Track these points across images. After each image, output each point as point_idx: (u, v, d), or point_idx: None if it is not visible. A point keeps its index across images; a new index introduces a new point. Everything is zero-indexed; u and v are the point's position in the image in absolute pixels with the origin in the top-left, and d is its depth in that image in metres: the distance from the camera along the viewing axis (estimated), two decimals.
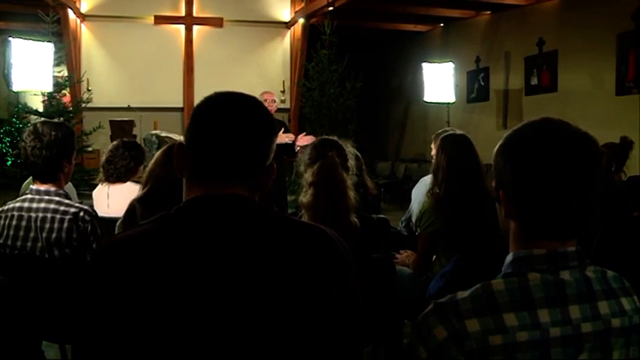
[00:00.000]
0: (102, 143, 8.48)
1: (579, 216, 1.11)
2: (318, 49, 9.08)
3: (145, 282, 1.10)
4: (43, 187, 2.32)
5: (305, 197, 2.23)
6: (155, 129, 9.22)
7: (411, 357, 1.09)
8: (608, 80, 7.53)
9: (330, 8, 8.99)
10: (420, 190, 3.71)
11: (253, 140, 1.22)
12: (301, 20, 10.36)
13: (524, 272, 1.07)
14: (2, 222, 2.33)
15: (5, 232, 2.31)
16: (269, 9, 10.89)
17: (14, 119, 9.26)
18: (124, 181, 3.38)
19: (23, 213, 2.30)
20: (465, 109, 9.96)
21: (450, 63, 7.85)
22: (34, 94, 7.67)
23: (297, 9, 10.68)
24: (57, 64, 7.62)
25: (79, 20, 10.15)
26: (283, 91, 11.01)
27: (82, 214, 2.29)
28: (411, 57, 11.96)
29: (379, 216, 3.13)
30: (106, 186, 3.39)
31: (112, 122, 8.47)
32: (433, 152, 3.80)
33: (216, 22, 10.58)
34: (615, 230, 3.28)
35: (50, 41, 5.88)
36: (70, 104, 8.98)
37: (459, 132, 2.97)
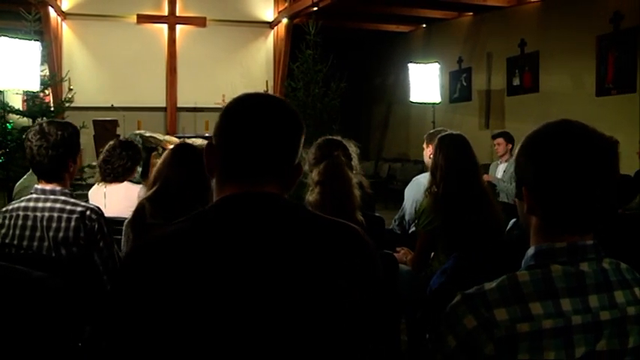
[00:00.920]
0: (85, 143, 8.38)
1: (597, 211, 1.18)
2: (303, 49, 9.11)
3: (183, 279, 1.12)
4: (48, 187, 2.32)
5: (312, 196, 2.27)
6: (139, 129, 9.17)
7: (439, 346, 1.15)
8: (588, 81, 7.69)
9: (315, 9, 9.03)
10: (413, 190, 3.76)
11: (285, 139, 1.26)
12: (285, 20, 10.39)
13: (547, 264, 1.13)
14: (7, 222, 2.32)
15: (11, 232, 2.30)
16: (252, 9, 10.90)
17: None
18: (121, 181, 3.38)
19: (29, 213, 2.30)
20: (448, 109, 10.07)
21: (436, 64, 7.95)
22: (17, 93, 7.56)
23: (280, 9, 10.70)
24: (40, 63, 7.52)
25: (60, 19, 10.04)
26: (266, 91, 11.02)
27: (88, 212, 2.29)
28: (393, 57, 12.06)
29: (375, 214, 3.19)
30: (102, 186, 3.39)
31: (95, 122, 8.38)
32: (426, 152, 3.87)
33: (200, 22, 10.55)
34: (602, 227, 3.36)
35: (37, 40, 5.81)
36: (51, 104, 8.88)
37: (455, 132, 3.03)
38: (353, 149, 2.59)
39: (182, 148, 2.32)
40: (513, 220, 3.98)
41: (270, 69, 11.08)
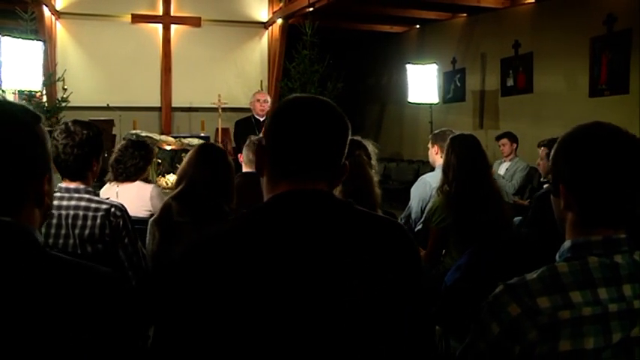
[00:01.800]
0: None
1: (630, 207, 1.26)
2: (300, 49, 9.15)
3: (243, 275, 1.17)
4: (72, 185, 2.36)
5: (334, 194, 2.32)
6: (134, 128, 9.16)
7: (480, 333, 1.22)
8: (581, 82, 7.79)
9: (310, 9, 9.08)
10: (420, 189, 3.83)
11: (334, 139, 1.32)
12: (279, 21, 10.42)
13: (584, 256, 1.21)
14: None
15: None
16: (247, 9, 10.92)
17: None
18: (133, 180, 3.41)
19: (53, 211, 2.33)
20: (441, 110, 10.15)
21: (434, 64, 8.02)
22: (13, 93, 7.54)
23: (275, 9, 10.73)
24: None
25: (54, 18, 10.00)
26: (260, 91, 11.05)
27: (113, 210, 2.33)
28: (387, 58, 12.14)
29: (387, 211, 3.25)
30: (114, 185, 3.42)
31: (90, 121, 8.36)
32: (431, 151, 3.94)
33: (194, 22, 10.55)
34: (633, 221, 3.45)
35: (39, 39, 5.80)
36: (46, 103, 8.85)
37: (466, 133, 3.10)
38: (372, 149, 2.66)
39: (206, 148, 2.37)
40: (519, 218, 4.07)
41: (265, 69, 11.11)
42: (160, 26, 10.49)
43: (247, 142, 3.49)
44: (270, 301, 1.15)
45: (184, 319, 1.21)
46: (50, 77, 8.67)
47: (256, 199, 2.35)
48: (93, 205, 2.33)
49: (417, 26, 11.21)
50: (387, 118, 12.39)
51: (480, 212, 2.85)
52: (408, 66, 8.11)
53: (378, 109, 12.65)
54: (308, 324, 1.15)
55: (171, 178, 6.66)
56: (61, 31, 10.20)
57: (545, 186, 4.48)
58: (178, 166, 7.39)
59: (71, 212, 2.31)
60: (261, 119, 5.91)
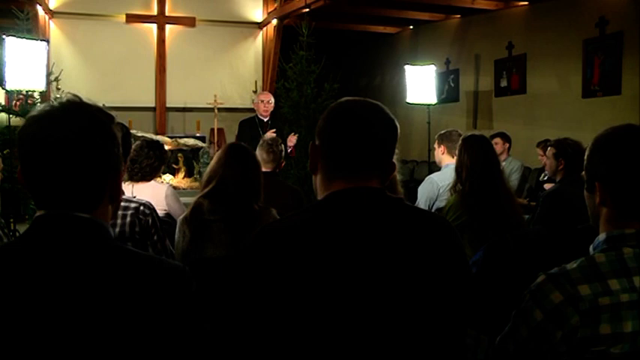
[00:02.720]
0: None
1: None
2: (297, 50, 9.20)
3: (309, 263, 1.25)
4: None
5: None
6: (130, 129, 9.14)
7: (523, 320, 1.32)
8: (574, 83, 7.94)
9: (306, 10, 9.13)
10: (427, 188, 3.91)
11: (386, 139, 1.41)
12: (274, 21, 10.46)
13: (619, 247, 1.31)
14: None
15: None
16: (241, 9, 10.94)
17: None
18: (149, 180, 3.45)
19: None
20: (435, 110, 10.23)
21: (432, 66, 8.11)
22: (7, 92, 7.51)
23: (270, 10, 10.76)
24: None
25: (47, 17, 9.95)
26: (255, 91, 11.07)
27: (142, 208, 2.38)
28: (380, 59, 12.23)
29: None
30: (129, 185, 3.45)
31: None
32: (437, 151, 4.02)
33: (189, 22, 10.55)
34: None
35: (43, 40, 5.80)
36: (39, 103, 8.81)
37: (477, 133, 3.18)
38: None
39: (236, 148, 2.43)
40: (527, 216, 4.16)
41: (260, 69, 11.13)
42: (154, 26, 10.48)
43: (261, 143, 3.54)
44: (333, 287, 1.23)
45: (256, 300, 1.28)
46: (48, 77, 8.62)
47: (273, 197, 2.41)
48: (122, 203, 2.36)
49: (411, 27, 11.30)
50: None
51: (494, 210, 2.94)
52: (407, 67, 8.19)
53: None
54: (366, 306, 1.23)
55: (167, 178, 6.66)
56: (54, 30, 10.15)
57: (546, 185, 4.59)
58: (175, 166, 7.41)
59: None
60: (265, 119, 5.96)
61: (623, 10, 7.34)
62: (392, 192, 2.40)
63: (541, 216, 3.35)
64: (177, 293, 1.16)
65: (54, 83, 9.34)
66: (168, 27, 10.52)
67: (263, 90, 10.93)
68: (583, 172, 1.52)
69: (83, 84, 9.74)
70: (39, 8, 9.34)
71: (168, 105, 10.49)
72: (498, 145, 5.98)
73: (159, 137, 9.03)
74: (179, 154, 7.10)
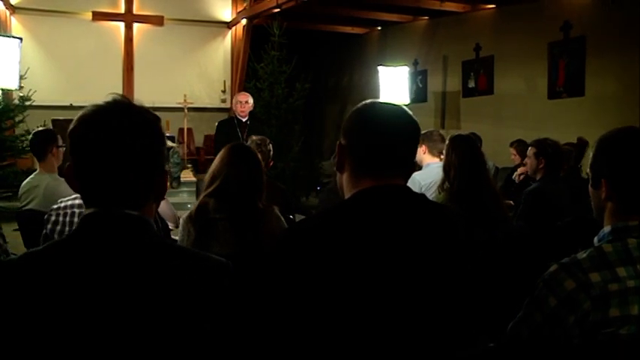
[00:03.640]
0: None
1: None
2: (269, 50, 9.21)
3: (341, 260, 1.31)
4: None
5: None
6: None
7: (537, 307, 1.42)
8: (540, 85, 8.18)
9: (277, 10, 9.14)
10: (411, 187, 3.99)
11: (411, 139, 1.48)
12: (244, 21, 10.44)
13: (624, 238, 1.43)
14: (62, 219, 2.38)
15: (67, 228, 2.36)
16: (210, 9, 10.89)
17: None
18: None
19: (84, 210, 2.35)
20: None
21: (405, 67, 8.24)
22: None
23: (239, 9, 10.74)
24: None
25: (8, 12, 9.70)
26: (224, 91, 11.06)
27: None
28: (348, 59, 12.34)
29: None
30: None
31: (54, 121, 8.18)
32: (419, 151, 4.11)
33: (157, 21, 10.45)
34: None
35: (16, 37, 5.67)
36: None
37: (464, 133, 3.28)
38: None
39: (240, 148, 2.45)
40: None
41: (228, 69, 11.11)
42: (122, 24, 10.35)
43: (249, 142, 3.57)
44: (367, 282, 1.29)
45: (291, 296, 1.33)
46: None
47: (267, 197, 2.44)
48: None
49: (379, 28, 11.43)
50: None
51: (481, 207, 3.03)
52: (380, 67, 8.30)
53: (338, 110, 12.82)
54: (395, 296, 1.30)
55: None
56: (16, 26, 9.90)
57: (526, 185, 4.74)
58: None
59: None
60: (244, 120, 5.96)
61: (586, 15, 7.61)
62: None
63: (524, 213, 3.47)
64: (221, 287, 1.19)
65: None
66: (136, 25, 10.40)
67: (232, 90, 10.91)
68: (588, 170, 1.61)
69: (48, 82, 9.55)
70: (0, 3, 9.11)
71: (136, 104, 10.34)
72: None
73: None
74: None
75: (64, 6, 9.86)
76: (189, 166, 10.02)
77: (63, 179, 4.06)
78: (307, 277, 1.31)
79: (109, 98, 1.24)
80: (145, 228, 1.19)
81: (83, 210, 2.34)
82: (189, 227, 2.28)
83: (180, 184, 8.96)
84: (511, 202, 4.06)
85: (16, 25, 9.92)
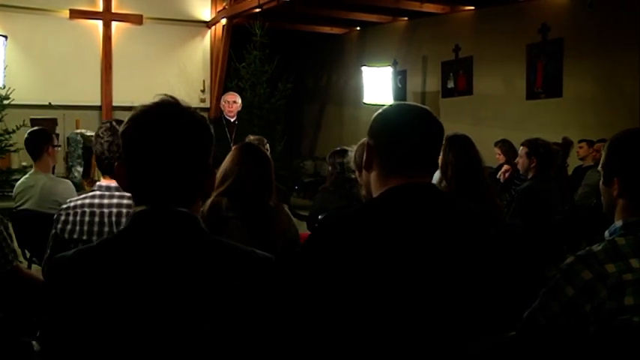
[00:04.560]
0: (23, 142, 8.05)
1: None
2: (251, 50, 9.21)
3: (374, 250, 1.38)
4: (113, 184, 2.38)
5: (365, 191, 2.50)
6: (77, 128, 8.90)
7: (554, 297, 1.50)
8: (519, 85, 8.34)
9: (258, 10, 9.15)
10: None
11: (437, 139, 1.56)
12: (223, 20, 10.42)
13: (636, 232, 1.52)
14: (72, 218, 2.37)
15: (77, 227, 2.36)
16: (189, 8, 10.83)
17: None
18: None
19: (95, 209, 2.36)
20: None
21: (389, 67, 8.32)
22: None
23: (218, 9, 10.71)
24: None
25: None
26: (203, 91, 11.01)
27: None
28: (327, 59, 12.39)
29: None
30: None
31: (33, 120, 8.08)
32: None
33: (136, 19, 10.35)
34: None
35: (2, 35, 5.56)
36: None
37: (460, 133, 3.35)
38: None
39: (250, 148, 2.49)
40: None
41: (208, 68, 11.06)
42: (100, 23, 10.21)
43: (247, 142, 3.59)
44: (400, 275, 1.36)
45: (326, 290, 1.39)
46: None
47: None
48: None
49: (358, 28, 11.51)
50: (326, 118, 12.64)
51: (478, 205, 3.11)
52: (364, 68, 8.37)
53: (317, 110, 12.87)
54: (425, 288, 1.38)
55: None
56: None
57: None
58: None
59: (114, 210, 2.35)
60: (232, 119, 5.96)
61: (563, 18, 7.79)
62: None
63: (517, 210, 3.56)
64: (267, 281, 1.23)
65: None
66: (114, 24, 10.27)
67: (211, 89, 10.88)
68: (600, 167, 1.69)
69: (25, 81, 9.36)
70: None
71: (114, 104, 10.24)
72: None
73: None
74: None
75: (39, 3, 9.68)
76: None
77: (59, 179, 4.03)
78: (343, 272, 1.37)
79: (158, 99, 1.27)
80: (195, 224, 1.22)
81: (95, 209, 2.35)
82: None
83: None
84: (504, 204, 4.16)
85: None
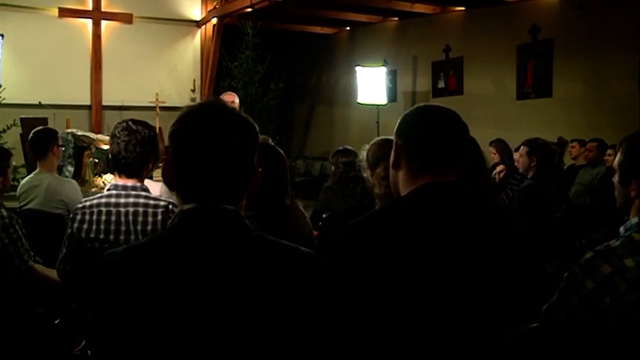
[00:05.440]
0: (14, 142, 7.98)
1: None
2: (243, 49, 9.21)
3: (407, 244, 1.44)
4: (129, 183, 2.40)
5: (379, 189, 2.54)
6: (67, 127, 8.83)
7: (574, 290, 1.57)
8: (509, 86, 8.44)
9: (249, 9, 9.15)
10: None
11: (463, 138, 1.61)
12: (214, 20, 10.40)
13: None
14: (88, 217, 2.38)
15: (94, 227, 2.37)
16: (179, 7, 10.80)
17: None
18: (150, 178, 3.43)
19: (111, 208, 2.37)
20: (372, 109, 10.55)
21: (383, 67, 8.36)
22: None
23: (209, 8, 10.69)
24: None
25: None
26: (193, 90, 10.96)
27: (171, 206, 2.41)
28: (317, 59, 12.41)
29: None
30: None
31: (23, 120, 8.00)
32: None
33: (126, 18, 10.28)
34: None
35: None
36: None
37: None
38: None
39: (266, 147, 2.50)
40: None
41: (198, 68, 11.03)
42: (89, 21, 10.13)
43: None
44: (431, 265, 1.42)
45: (353, 279, 1.43)
46: None
47: None
48: (151, 202, 2.39)
49: (348, 28, 11.55)
50: (317, 118, 12.67)
51: (481, 202, 3.16)
52: (358, 68, 8.41)
53: (307, 110, 12.89)
54: (451, 281, 1.43)
55: (108, 178, 6.49)
56: None
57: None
58: None
59: (130, 209, 2.36)
60: None
61: (553, 19, 7.90)
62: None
63: (518, 208, 3.63)
64: (311, 277, 1.26)
65: None
66: (104, 23, 10.19)
67: (202, 89, 10.85)
68: (615, 165, 1.75)
69: (14, 80, 9.25)
70: None
71: (104, 103, 10.17)
72: None
73: (98, 136, 8.82)
74: None
75: (28, 1, 9.59)
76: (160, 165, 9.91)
77: (64, 179, 4.02)
78: (380, 268, 1.41)
79: (204, 100, 1.31)
80: (241, 221, 1.25)
81: (111, 209, 2.36)
82: None
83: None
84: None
85: None
